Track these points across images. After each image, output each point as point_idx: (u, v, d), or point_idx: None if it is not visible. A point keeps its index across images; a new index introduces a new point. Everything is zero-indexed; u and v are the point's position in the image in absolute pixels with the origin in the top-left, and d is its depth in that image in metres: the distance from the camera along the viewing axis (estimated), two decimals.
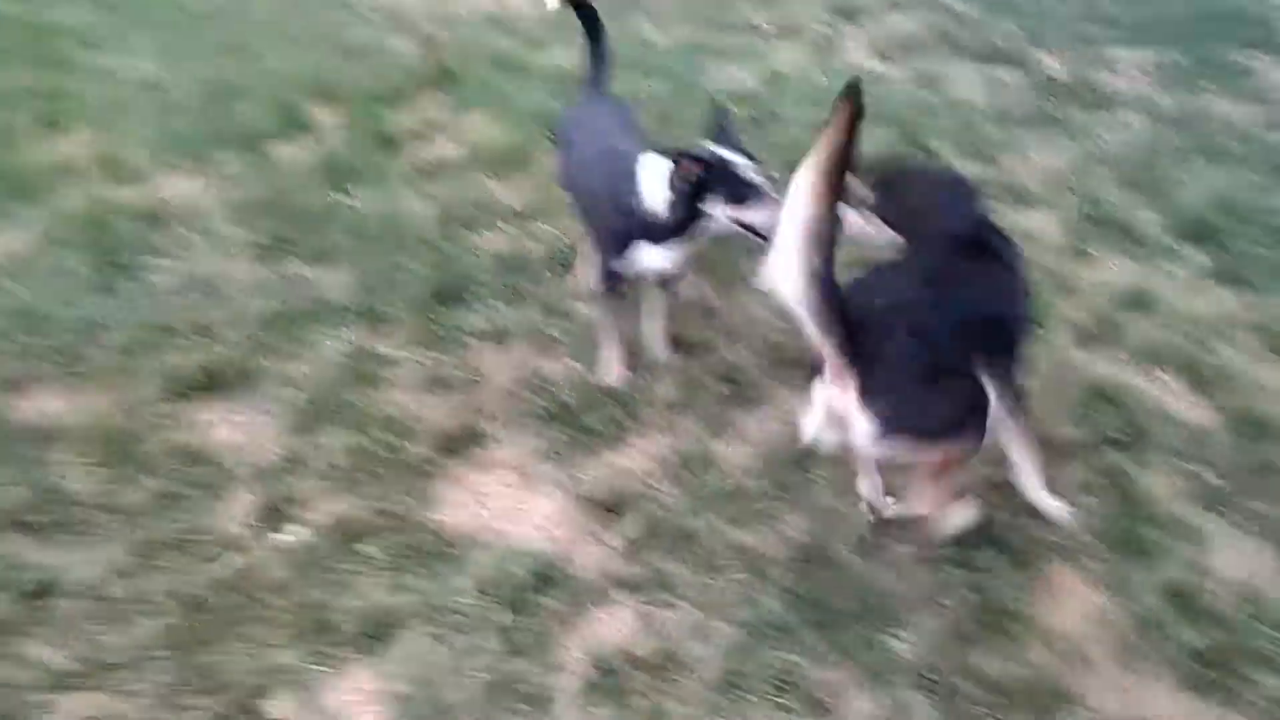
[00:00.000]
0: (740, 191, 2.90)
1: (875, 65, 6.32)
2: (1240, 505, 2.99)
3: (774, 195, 2.85)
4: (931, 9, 7.25)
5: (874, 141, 4.94)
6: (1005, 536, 2.83)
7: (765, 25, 6.84)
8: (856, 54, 6.51)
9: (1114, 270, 4.11)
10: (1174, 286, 4.00)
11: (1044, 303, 3.80)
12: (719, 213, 2.94)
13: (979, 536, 2.81)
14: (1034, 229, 4.36)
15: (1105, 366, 3.53)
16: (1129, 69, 6.35)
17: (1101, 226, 4.38)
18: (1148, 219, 4.45)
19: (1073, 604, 2.70)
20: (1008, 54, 6.39)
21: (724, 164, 2.91)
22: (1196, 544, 2.87)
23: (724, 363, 3.48)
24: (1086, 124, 5.41)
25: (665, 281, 3.40)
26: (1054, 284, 3.96)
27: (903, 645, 2.51)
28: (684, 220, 2.98)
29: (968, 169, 4.81)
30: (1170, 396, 3.43)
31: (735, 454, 3.13)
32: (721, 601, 2.64)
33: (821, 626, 2.57)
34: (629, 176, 3.04)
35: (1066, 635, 2.60)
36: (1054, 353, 3.57)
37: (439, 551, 2.72)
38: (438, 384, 3.33)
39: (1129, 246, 4.25)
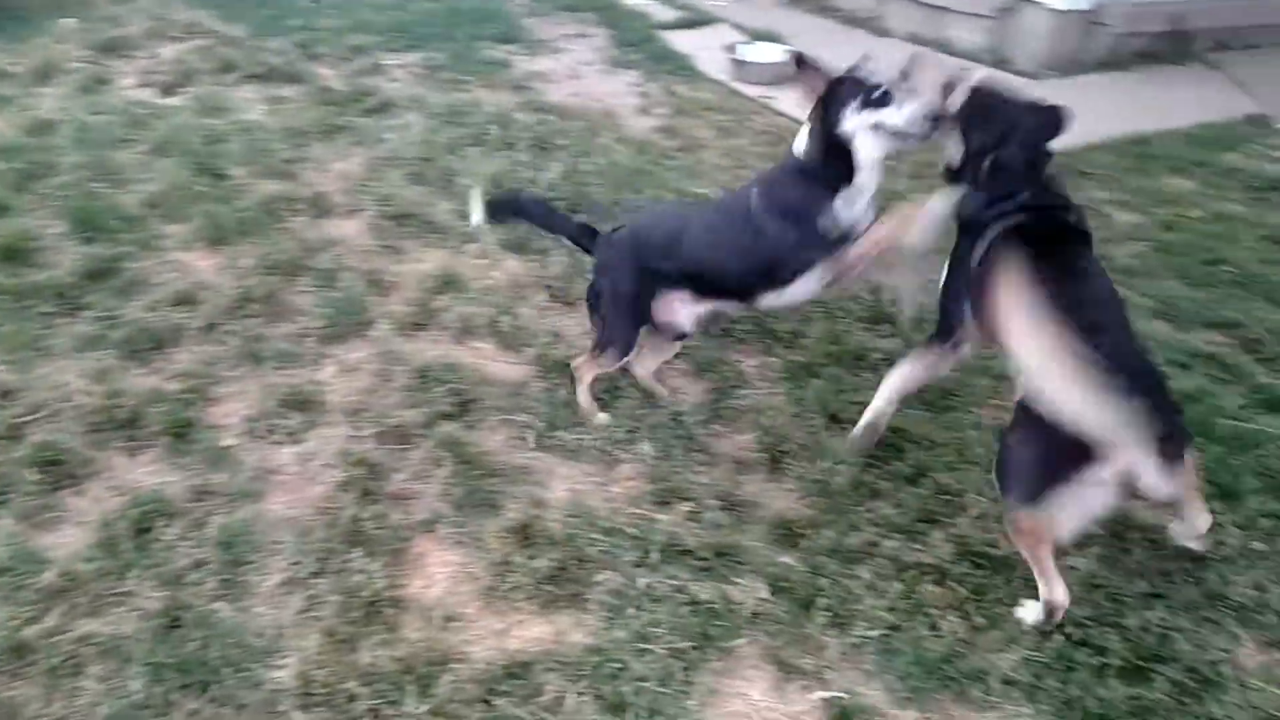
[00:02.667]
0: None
1: (154, 98, 6.04)
2: (559, 438, 3.41)
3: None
4: (201, 36, 7.11)
5: (165, 174, 4.79)
6: (366, 531, 2.94)
7: (19, 69, 6.17)
8: (132, 89, 6.16)
9: (422, 260, 4.42)
10: (474, 264, 4.42)
11: (364, 302, 4.00)
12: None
13: (342, 542, 2.89)
14: (344, 235, 4.53)
15: (429, 349, 3.80)
16: (400, 73, 6.82)
17: (403, 222, 4.68)
18: (442, 208, 4.84)
19: (439, 572, 2.87)
20: (285, 72, 6.50)
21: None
22: (532, 483, 3.21)
23: (36, 445, 3.13)
24: (371, 129, 5.72)
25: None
26: (370, 283, 4.16)
27: (284, 673, 2.48)
28: None
29: (270, 188, 4.85)
30: (487, 361, 3.80)
31: (66, 542, 2.84)
32: (77, 705, 2.38)
33: (201, 687, 2.44)
34: None
35: (439, 602, 2.76)
36: (380, 346, 3.77)
37: None
38: None
39: (430, 236, 4.60)
